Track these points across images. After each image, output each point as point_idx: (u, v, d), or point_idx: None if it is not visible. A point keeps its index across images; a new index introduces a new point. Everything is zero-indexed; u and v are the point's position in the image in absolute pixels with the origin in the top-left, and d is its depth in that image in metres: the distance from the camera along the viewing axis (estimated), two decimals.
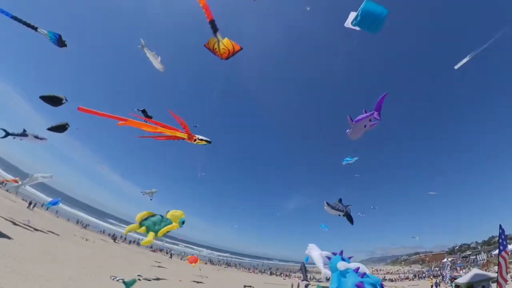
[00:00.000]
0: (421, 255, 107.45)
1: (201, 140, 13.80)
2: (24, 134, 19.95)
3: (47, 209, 41.39)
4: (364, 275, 12.11)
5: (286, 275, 55.47)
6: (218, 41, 10.32)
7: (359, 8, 9.29)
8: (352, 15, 10.19)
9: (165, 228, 14.76)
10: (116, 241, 41.19)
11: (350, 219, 16.50)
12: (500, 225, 12.06)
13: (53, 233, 25.21)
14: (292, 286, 33.25)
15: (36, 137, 20.28)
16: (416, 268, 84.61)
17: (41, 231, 23.03)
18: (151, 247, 50.04)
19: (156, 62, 17.14)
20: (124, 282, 13.20)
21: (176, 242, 78.78)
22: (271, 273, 56.60)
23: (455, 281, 25.27)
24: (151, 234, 14.12)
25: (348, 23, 10.58)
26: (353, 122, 11.52)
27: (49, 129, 14.94)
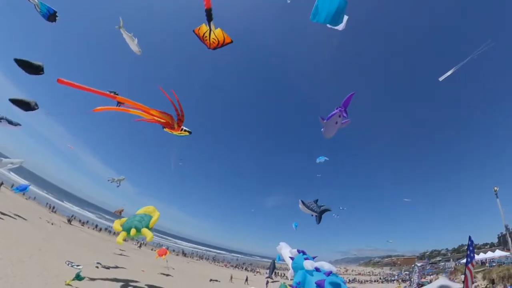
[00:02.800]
0: (393, 258, 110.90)
1: (185, 131, 13.20)
2: None
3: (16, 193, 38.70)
4: (330, 273, 11.58)
5: (257, 271, 55.30)
6: (210, 30, 9.81)
7: (316, 2, 8.64)
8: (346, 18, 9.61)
9: (152, 220, 14.06)
10: (72, 223, 39.03)
11: (319, 219, 16.77)
12: (470, 237, 11.69)
13: (20, 216, 23.57)
14: (231, 277, 33.33)
15: (10, 122, 18.64)
16: (387, 270, 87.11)
17: (6, 214, 21.45)
18: None
19: (133, 45, 16.26)
20: (77, 276, 12.17)
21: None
22: (245, 269, 56.30)
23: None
24: (145, 230, 13.46)
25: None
26: (324, 121, 11.84)
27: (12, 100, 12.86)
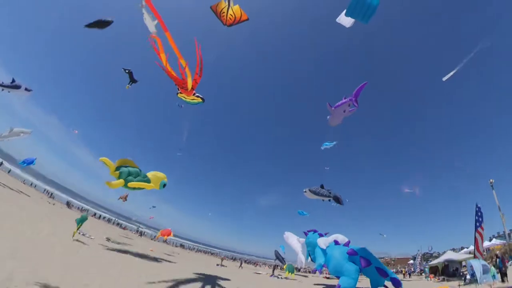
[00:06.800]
0: (386, 258, 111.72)
1: (197, 97, 12.91)
2: (15, 85, 17.94)
3: (22, 168, 37.71)
4: (348, 243, 12.03)
5: (257, 264, 55.82)
6: (229, 6, 9.87)
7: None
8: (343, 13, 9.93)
9: (140, 183, 13.07)
10: (70, 208, 38.82)
11: (339, 200, 16.43)
12: (477, 203, 12.52)
13: (23, 192, 23.47)
14: (221, 260, 33.84)
15: (26, 89, 18.68)
16: None
17: (12, 188, 21.40)
18: (121, 225, 48.12)
19: (151, 26, 16.30)
20: (80, 219, 12.36)
21: (149, 227, 76.25)
22: (244, 261, 56.31)
23: (431, 263, 26.43)
24: (121, 181, 12.45)
25: (339, 18, 10.27)
26: (333, 108, 12.09)
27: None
